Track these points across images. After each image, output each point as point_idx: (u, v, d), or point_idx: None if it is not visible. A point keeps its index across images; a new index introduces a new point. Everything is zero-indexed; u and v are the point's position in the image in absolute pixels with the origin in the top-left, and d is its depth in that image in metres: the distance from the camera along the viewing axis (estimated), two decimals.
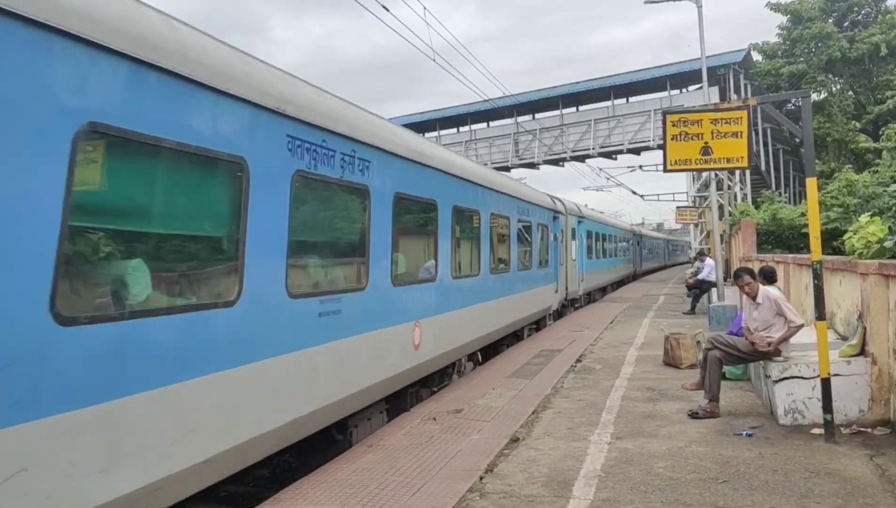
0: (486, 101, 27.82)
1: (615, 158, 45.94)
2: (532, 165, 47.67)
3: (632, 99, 44.48)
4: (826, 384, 6.62)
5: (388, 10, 13.72)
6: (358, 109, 7.45)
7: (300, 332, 5.81)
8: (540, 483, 5.62)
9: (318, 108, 6.25)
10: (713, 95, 34.15)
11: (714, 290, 17.93)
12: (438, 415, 7.99)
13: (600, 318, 18.86)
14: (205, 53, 4.80)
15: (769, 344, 7.50)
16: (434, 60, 15.75)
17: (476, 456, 6.36)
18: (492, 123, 49.79)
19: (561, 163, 47.38)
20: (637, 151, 43.61)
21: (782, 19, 38.09)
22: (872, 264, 7.16)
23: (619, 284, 34.47)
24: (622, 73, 46.00)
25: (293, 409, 5.69)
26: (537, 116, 47.90)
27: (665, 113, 7.69)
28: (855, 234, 8.37)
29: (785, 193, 46.06)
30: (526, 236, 14.72)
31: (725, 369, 8.27)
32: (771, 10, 37.51)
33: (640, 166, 44.43)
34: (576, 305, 22.21)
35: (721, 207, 23.93)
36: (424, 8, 14.53)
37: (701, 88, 26.39)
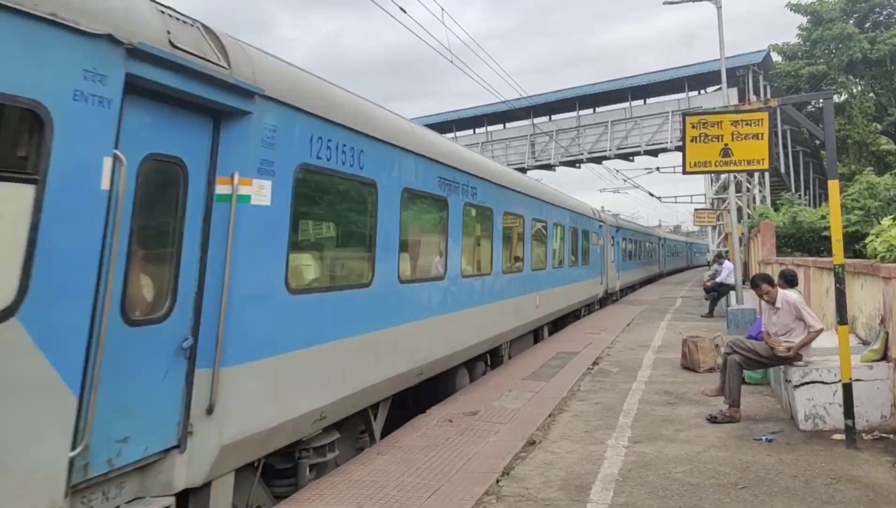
0: (502, 102, 27.79)
1: (632, 160, 45.74)
2: (548, 167, 47.54)
3: (649, 100, 44.27)
4: (847, 389, 6.54)
5: (404, 11, 13.74)
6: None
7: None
8: (557, 486, 5.59)
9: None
10: (732, 96, 33.89)
11: (732, 293, 17.78)
12: (454, 417, 7.98)
13: (617, 320, 18.77)
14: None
15: (788, 349, 7.41)
16: (452, 62, 15.76)
17: (492, 459, 6.34)
18: (508, 125, 49.75)
19: (577, 164, 47.22)
20: (654, 153, 43.36)
21: (802, 20, 37.72)
22: (895, 267, 7.06)
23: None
24: (639, 74, 45.79)
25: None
26: (554, 117, 47.78)
27: (685, 114, 7.64)
28: (877, 237, 8.26)
29: (805, 195, 45.58)
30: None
31: (745, 373, 8.19)
32: (791, 10, 37.11)
33: (658, 168, 44.14)
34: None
35: (740, 209, 23.73)
36: (442, 9, 14.54)
37: (720, 89, 26.20)
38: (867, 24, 37.87)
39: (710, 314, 19.28)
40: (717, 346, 10.75)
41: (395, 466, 6.18)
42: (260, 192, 5.10)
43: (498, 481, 5.75)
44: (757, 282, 7.98)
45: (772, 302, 7.72)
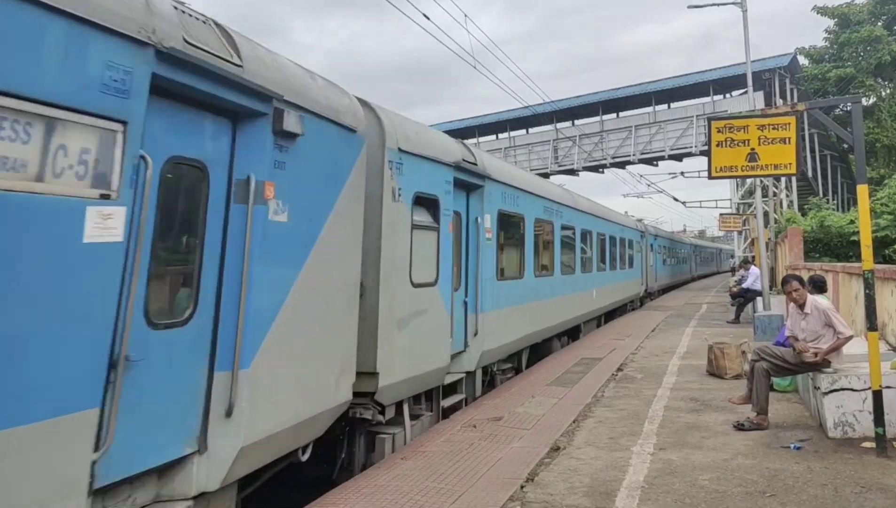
0: (525, 107, 27.77)
1: (656, 165, 45.43)
2: (572, 172, 47.39)
3: (673, 105, 43.97)
4: (878, 396, 6.44)
5: (428, 18, 13.80)
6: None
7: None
8: (581, 493, 5.57)
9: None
10: (758, 99, 33.55)
11: (759, 299, 17.57)
12: (478, 423, 7.98)
13: (641, 326, 18.64)
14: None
15: (815, 354, 7.31)
16: (475, 67, 15.81)
17: (516, 465, 6.34)
18: (531, 130, 49.69)
19: (601, 169, 47.03)
20: (679, 158, 43.04)
21: (829, 22, 37.26)
22: None
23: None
24: (663, 78, 45.50)
25: None
26: (577, 122, 47.63)
27: (710, 119, 7.58)
28: None
29: (833, 199, 44.93)
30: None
31: (773, 380, 8.09)
32: (818, 13, 36.68)
33: (682, 173, 43.77)
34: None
35: (766, 214, 23.46)
36: (465, 15, 14.60)
37: (745, 92, 25.97)
38: None
39: (737, 320, 19.08)
40: (743, 353, 10.63)
41: (419, 471, 6.20)
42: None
43: (522, 487, 5.74)
44: (787, 280, 7.84)
45: (800, 303, 7.62)
